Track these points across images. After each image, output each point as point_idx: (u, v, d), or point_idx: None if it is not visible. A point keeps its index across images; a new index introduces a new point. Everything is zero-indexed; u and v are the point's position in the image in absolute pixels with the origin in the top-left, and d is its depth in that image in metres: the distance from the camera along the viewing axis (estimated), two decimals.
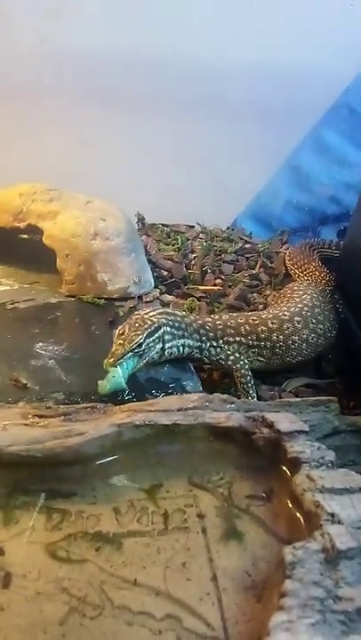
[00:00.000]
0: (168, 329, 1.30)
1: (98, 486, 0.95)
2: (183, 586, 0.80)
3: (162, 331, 1.29)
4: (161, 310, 1.36)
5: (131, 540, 0.86)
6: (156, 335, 1.27)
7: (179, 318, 1.35)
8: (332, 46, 2.20)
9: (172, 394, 1.24)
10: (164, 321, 1.30)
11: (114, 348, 1.22)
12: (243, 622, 0.75)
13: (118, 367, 1.19)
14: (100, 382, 1.19)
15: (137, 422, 0.97)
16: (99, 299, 1.59)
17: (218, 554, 0.85)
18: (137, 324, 1.27)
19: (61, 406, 1.09)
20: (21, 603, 0.77)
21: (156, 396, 1.24)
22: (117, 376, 1.18)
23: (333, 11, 2.20)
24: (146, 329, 1.26)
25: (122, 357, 1.20)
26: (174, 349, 1.33)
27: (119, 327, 1.29)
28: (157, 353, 1.29)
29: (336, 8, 2.20)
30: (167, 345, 1.30)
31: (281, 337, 1.43)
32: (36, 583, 0.80)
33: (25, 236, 1.81)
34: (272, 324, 1.43)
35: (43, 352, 1.37)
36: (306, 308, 1.51)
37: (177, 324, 1.33)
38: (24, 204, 1.67)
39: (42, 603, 0.77)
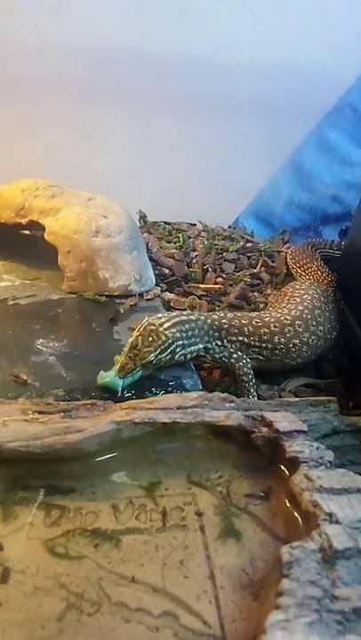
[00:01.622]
0: (180, 342, 1.30)
1: (97, 483, 0.95)
2: (181, 583, 0.80)
3: (174, 346, 1.28)
4: (176, 320, 1.32)
5: (129, 537, 0.87)
6: (169, 350, 1.27)
7: (193, 324, 1.34)
8: (336, 45, 2.20)
9: (172, 392, 1.25)
10: (178, 335, 1.30)
11: (124, 361, 1.22)
12: (239, 620, 0.75)
13: (117, 383, 1.20)
14: (102, 373, 1.21)
15: (136, 420, 0.98)
16: (100, 296, 1.59)
17: (216, 552, 0.85)
18: (150, 339, 1.25)
19: (61, 403, 1.10)
20: (20, 598, 0.77)
21: (156, 394, 1.24)
22: (118, 384, 1.20)
23: (338, 10, 2.20)
24: (159, 345, 1.25)
25: (130, 372, 1.21)
26: (182, 357, 1.33)
27: (132, 334, 1.27)
28: (164, 362, 1.29)
29: (341, 7, 2.20)
30: (177, 356, 1.30)
31: (283, 340, 1.43)
32: (35, 579, 0.80)
33: (27, 232, 1.82)
34: (274, 327, 1.44)
35: (43, 348, 1.37)
36: (306, 311, 1.51)
37: (190, 333, 1.32)
38: (26, 200, 1.67)
39: (40, 598, 0.77)
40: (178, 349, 1.30)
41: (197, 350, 1.36)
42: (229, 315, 1.46)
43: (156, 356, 1.24)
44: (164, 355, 1.26)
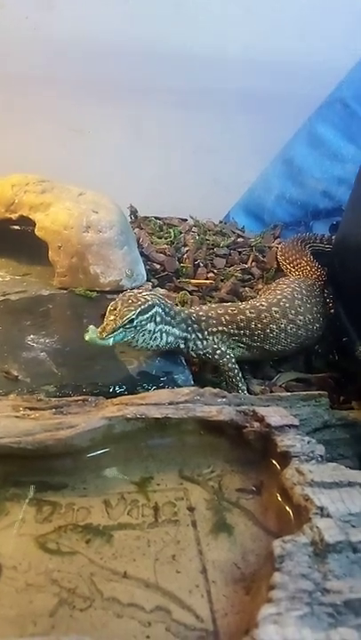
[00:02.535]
0: (160, 310, 1.29)
1: (88, 479, 0.95)
2: (173, 578, 0.80)
3: (155, 310, 1.27)
4: (153, 291, 1.34)
5: (121, 533, 0.87)
6: (149, 314, 1.26)
7: (169, 304, 1.35)
8: (328, 40, 2.20)
9: (164, 387, 1.24)
10: (158, 301, 1.29)
11: (105, 323, 1.21)
12: (231, 614, 0.75)
13: (108, 341, 1.18)
14: (91, 327, 1.18)
15: (128, 415, 0.98)
16: (91, 291, 1.59)
17: (208, 546, 0.85)
18: (130, 301, 1.25)
19: (52, 399, 1.09)
20: (11, 594, 0.77)
21: (148, 390, 1.24)
22: (100, 343, 1.17)
23: (330, 4, 2.20)
24: (139, 305, 1.24)
25: (113, 332, 1.18)
26: (158, 334, 1.30)
27: (111, 303, 1.27)
28: (145, 335, 1.27)
29: (333, 2, 2.20)
30: (157, 327, 1.29)
31: (259, 325, 1.44)
32: (26, 575, 0.80)
33: (17, 228, 1.80)
34: (250, 313, 1.45)
35: (34, 344, 1.36)
36: (285, 300, 1.52)
37: (167, 309, 1.32)
38: (16, 195, 1.66)
39: (32, 594, 0.77)
40: (158, 318, 1.28)
41: (175, 337, 1.35)
42: (205, 307, 1.47)
43: (137, 315, 1.22)
44: (144, 317, 1.24)
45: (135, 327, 1.23)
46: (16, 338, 1.38)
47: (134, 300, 1.25)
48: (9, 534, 0.86)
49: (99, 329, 1.19)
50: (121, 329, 1.20)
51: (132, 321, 1.21)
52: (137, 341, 1.27)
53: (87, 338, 1.17)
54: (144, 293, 1.30)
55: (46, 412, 1.01)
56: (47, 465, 0.94)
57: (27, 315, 1.47)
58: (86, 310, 1.52)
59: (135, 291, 1.33)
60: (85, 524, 0.88)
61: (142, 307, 1.24)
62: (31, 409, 1.03)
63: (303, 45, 2.21)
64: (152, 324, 1.27)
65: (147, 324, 1.26)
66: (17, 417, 0.99)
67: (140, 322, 1.24)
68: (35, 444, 0.92)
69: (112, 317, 1.21)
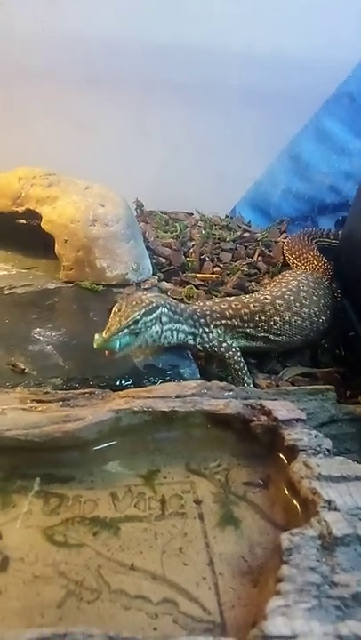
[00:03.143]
0: (165, 310, 1.29)
1: (95, 471, 0.95)
2: (180, 570, 0.80)
3: (160, 311, 1.27)
4: (158, 294, 1.36)
5: (128, 525, 0.87)
6: (154, 315, 1.26)
7: (174, 302, 1.35)
8: (335, 34, 2.18)
9: (170, 381, 1.25)
10: (162, 302, 1.30)
11: (109, 324, 1.20)
12: (239, 607, 0.75)
13: (113, 343, 1.17)
14: (95, 335, 1.17)
15: (135, 408, 0.98)
16: (97, 285, 1.59)
17: (214, 539, 0.85)
18: (135, 302, 1.25)
19: (59, 392, 1.10)
20: (19, 586, 0.77)
21: (154, 383, 1.24)
22: (105, 346, 1.16)
23: None
24: (144, 307, 1.24)
25: (117, 333, 1.17)
26: (168, 333, 1.31)
27: (116, 305, 1.26)
28: (153, 336, 1.27)
29: None
30: (165, 327, 1.29)
31: (263, 317, 1.44)
32: (34, 567, 0.80)
33: (23, 221, 1.80)
34: (254, 306, 1.45)
35: (40, 337, 1.36)
36: (289, 292, 1.52)
37: (173, 308, 1.33)
38: (23, 189, 1.66)
39: (39, 586, 0.77)
40: (164, 319, 1.28)
41: (185, 333, 1.35)
42: (208, 302, 1.46)
43: (142, 316, 1.22)
44: (149, 318, 1.24)
45: (140, 328, 1.22)
46: (22, 331, 1.38)
47: (139, 302, 1.25)
48: (16, 526, 0.86)
49: (104, 330, 1.18)
50: (126, 330, 1.19)
51: (136, 322, 1.21)
52: (147, 343, 1.27)
53: (95, 345, 1.16)
54: (148, 295, 1.31)
55: (53, 405, 1.01)
56: (54, 457, 0.94)
57: (33, 308, 1.47)
58: (92, 304, 1.52)
59: (140, 293, 1.33)
60: (93, 516, 0.88)
61: (147, 308, 1.24)
62: (38, 401, 1.03)
63: (309, 40, 2.19)
64: (158, 325, 1.27)
65: (152, 325, 1.25)
66: (24, 409, 0.99)
67: (145, 323, 1.23)
68: (42, 437, 0.92)
69: (117, 318, 1.21)
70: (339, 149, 2.42)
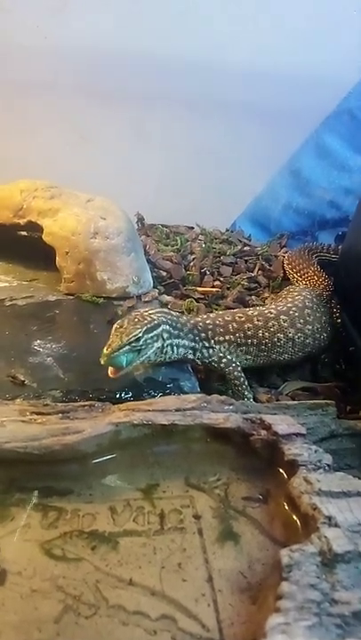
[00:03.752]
0: (167, 327, 1.30)
1: (94, 485, 0.94)
2: (179, 586, 0.79)
3: (161, 329, 1.28)
4: (159, 309, 1.36)
5: (127, 540, 0.86)
6: (155, 332, 1.26)
7: (175, 318, 1.35)
8: (335, 51, 2.21)
9: (170, 394, 1.24)
10: (164, 319, 1.30)
11: (111, 340, 1.20)
12: (238, 624, 0.75)
13: (117, 359, 1.18)
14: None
15: (135, 421, 0.97)
16: (97, 297, 1.59)
17: (214, 555, 0.84)
18: (136, 320, 1.26)
19: (59, 404, 1.09)
20: (16, 600, 0.77)
21: (154, 396, 1.23)
22: (110, 363, 1.18)
23: (337, 16, 2.21)
24: (145, 324, 1.24)
25: (118, 349, 1.18)
26: (169, 349, 1.31)
27: (118, 322, 1.27)
28: (155, 352, 1.28)
29: (340, 13, 2.21)
30: (166, 343, 1.29)
31: (267, 334, 1.44)
32: (32, 581, 0.79)
33: (24, 233, 1.81)
34: (258, 320, 1.44)
35: (41, 349, 1.36)
36: (294, 308, 1.52)
37: (174, 324, 1.33)
38: (24, 201, 1.67)
39: (37, 600, 0.77)
40: (165, 335, 1.28)
41: (185, 348, 1.35)
42: (212, 315, 1.46)
43: (144, 333, 1.22)
44: (150, 335, 1.24)
45: (142, 346, 1.23)
46: (23, 343, 1.38)
47: (141, 319, 1.26)
48: (14, 540, 0.85)
49: (105, 347, 1.19)
50: (127, 347, 1.20)
51: (138, 339, 1.22)
52: (149, 359, 1.28)
53: (102, 362, 1.17)
54: (151, 312, 1.31)
55: (53, 417, 1.01)
56: (53, 470, 0.94)
57: (33, 320, 1.47)
58: (93, 316, 1.52)
59: (142, 310, 1.33)
60: (91, 530, 0.87)
61: (148, 325, 1.25)
62: (38, 414, 1.03)
63: (310, 56, 2.21)
64: (160, 341, 1.28)
65: (153, 342, 1.26)
66: (23, 422, 0.99)
67: (146, 340, 1.24)
68: (41, 449, 0.91)
69: (118, 335, 1.21)
70: (339, 165, 2.43)
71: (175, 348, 1.33)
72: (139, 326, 1.23)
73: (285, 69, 2.20)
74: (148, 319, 1.27)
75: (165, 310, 1.37)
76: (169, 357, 1.33)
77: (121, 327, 1.24)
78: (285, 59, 2.21)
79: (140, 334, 1.22)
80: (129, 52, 2.17)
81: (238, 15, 2.20)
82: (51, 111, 2.26)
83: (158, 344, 1.27)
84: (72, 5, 2.10)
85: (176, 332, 1.33)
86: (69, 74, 2.21)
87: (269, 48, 2.21)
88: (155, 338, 1.26)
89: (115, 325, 1.26)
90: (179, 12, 2.18)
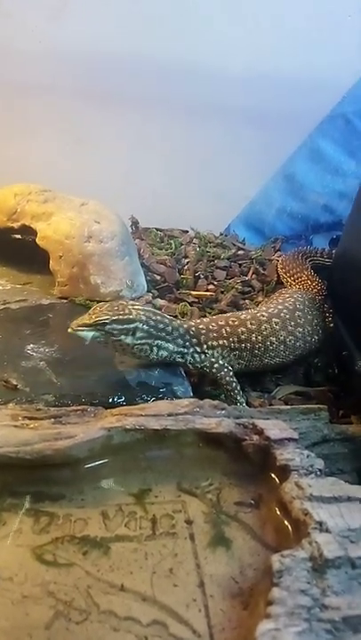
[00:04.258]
0: (144, 327, 1.28)
1: (86, 490, 0.94)
2: (170, 592, 0.79)
3: (135, 325, 1.27)
4: (148, 308, 1.35)
5: (118, 545, 0.86)
6: (127, 326, 1.26)
7: (166, 320, 1.34)
8: (329, 56, 2.22)
9: (163, 398, 1.24)
10: (144, 318, 1.29)
11: (84, 316, 1.24)
12: (229, 629, 0.75)
13: (82, 334, 1.22)
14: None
15: (127, 426, 0.97)
16: (91, 301, 1.59)
17: (205, 560, 0.84)
18: (115, 307, 1.27)
19: (51, 408, 1.09)
20: (7, 606, 0.76)
21: (147, 401, 1.23)
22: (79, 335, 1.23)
23: (331, 21, 2.22)
24: (118, 314, 1.25)
25: (83, 327, 1.22)
26: (146, 347, 1.30)
27: (102, 302, 1.30)
28: (123, 346, 1.28)
29: (334, 18, 2.22)
30: (138, 341, 1.28)
31: (259, 338, 1.44)
32: (23, 586, 0.79)
33: (18, 237, 1.81)
34: (251, 324, 1.45)
35: (34, 353, 1.36)
36: (285, 311, 1.52)
37: (159, 326, 1.31)
38: (18, 205, 1.67)
39: (28, 606, 0.77)
40: (139, 334, 1.28)
41: (167, 350, 1.34)
42: (205, 319, 1.46)
43: (112, 321, 1.23)
44: (120, 327, 1.25)
45: (107, 332, 1.24)
46: (16, 347, 1.38)
47: (118, 308, 1.27)
48: (5, 545, 0.85)
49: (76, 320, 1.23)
50: (93, 327, 1.22)
51: (103, 324, 1.23)
52: (116, 350, 1.30)
53: (69, 330, 1.23)
54: (136, 307, 1.31)
55: (45, 422, 1.01)
56: (45, 475, 0.94)
57: (27, 324, 1.47)
58: None
59: (131, 301, 1.34)
60: (83, 535, 0.87)
61: (120, 317, 1.25)
62: (30, 418, 1.03)
63: (305, 61, 2.22)
64: (129, 337, 1.27)
65: (121, 335, 1.26)
66: (15, 426, 0.99)
67: (113, 330, 1.24)
68: (33, 454, 0.91)
69: (91, 313, 1.25)
70: (333, 170, 2.44)
71: (155, 349, 1.32)
72: (111, 313, 1.24)
73: (280, 74, 2.21)
74: (125, 312, 1.27)
75: (153, 311, 1.35)
76: (147, 356, 1.32)
77: (98, 308, 1.26)
78: (280, 64, 2.22)
79: (107, 321, 1.23)
80: (126, 55, 2.17)
81: (234, 22, 2.20)
82: (48, 114, 2.27)
83: (128, 340, 1.27)
84: (71, 9, 2.11)
85: (160, 333, 1.32)
86: (67, 77, 2.21)
87: (264, 53, 2.22)
88: (124, 331, 1.26)
89: (98, 303, 1.29)
90: (176, 17, 2.19)
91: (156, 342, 1.31)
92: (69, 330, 1.22)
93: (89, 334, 1.22)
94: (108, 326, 1.23)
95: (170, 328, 1.34)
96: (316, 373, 1.59)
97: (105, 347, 1.29)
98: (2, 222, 1.69)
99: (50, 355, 1.36)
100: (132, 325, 1.27)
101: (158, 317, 1.33)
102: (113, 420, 0.99)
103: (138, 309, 1.30)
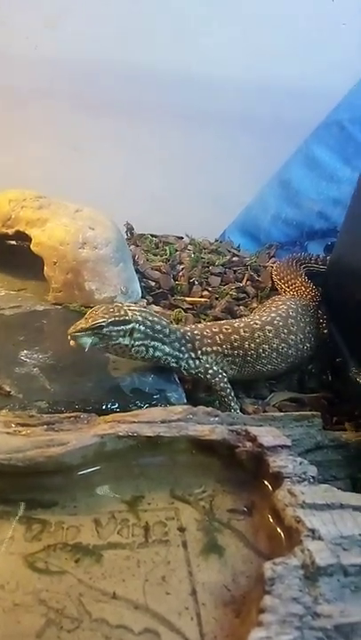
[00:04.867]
0: (141, 327, 1.28)
1: (79, 497, 0.94)
2: (162, 600, 0.79)
3: (131, 326, 1.27)
4: (144, 309, 1.34)
5: (111, 553, 0.86)
6: (124, 327, 1.25)
7: (163, 322, 1.34)
8: (324, 64, 2.23)
9: (157, 405, 1.24)
10: (140, 319, 1.29)
11: (80, 321, 1.24)
12: (221, 637, 0.75)
13: (80, 340, 1.21)
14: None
15: (120, 433, 0.97)
16: (86, 307, 1.58)
17: (198, 568, 0.84)
18: (111, 309, 1.27)
19: (44, 415, 1.09)
20: None
21: (141, 407, 1.23)
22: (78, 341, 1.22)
23: (326, 29, 2.24)
24: (115, 316, 1.25)
25: (80, 332, 1.21)
26: (143, 349, 1.30)
27: (97, 305, 1.29)
28: (122, 347, 1.27)
29: (329, 26, 2.23)
30: (135, 342, 1.28)
31: (252, 345, 1.44)
32: (14, 594, 0.79)
33: (13, 243, 1.80)
34: (244, 332, 1.45)
35: (27, 360, 1.36)
36: (279, 318, 1.52)
37: (156, 327, 1.31)
38: (13, 211, 1.67)
39: (19, 614, 0.76)
40: (136, 335, 1.27)
41: (163, 352, 1.33)
42: (200, 325, 1.46)
43: (108, 324, 1.23)
44: (117, 328, 1.24)
45: (105, 335, 1.23)
46: (9, 353, 1.37)
47: (115, 310, 1.27)
48: None
49: (73, 325, 1.23)
50: (90, 332, 1.22)
51: (100, 327, 1.22)
52: (116, 352, 1.29)
53: (69, 337, 1.22)
54: (132, 307, 1.31)
55: (38, 429, 1.01)
56: (37, 482, 0.93)
57: (21, 330, 1.47)
58: None
59: (127, 302, 1.34)
60: (75, 542, 0.87)
61: (117, 318, 1.25)
62: (23, 425, 1.02)
63: (300, 69, 2.23)
64: (127, 338, 1.27)
65: (119, 336, 1.25)
66: (8, 433, 0.98)
67: (110, 332, 1.24)
68: (25, 461, 0.91)
69: (87, 317, 1.24)
70: (328, 176, 2.45)
71: (151, 349, 1.31)
72: (107, 316, 1.24)
73: (275, 81, 2.22)
74: (122, 312, 1.27)
75: (150, 312, 1.35)
76: (143, 357, 1.32)
77: (95, 311, 1.25)
78: (276, 71, 2.23)
79: (104, 324, 1.22)
80: (122, 61, 2.18)
81: (230, 30, 2.22)
82: (44, 121, 2.27)
83: (126, 341, 1.27)
84: (67, 17, 2.12)
85: (157, 335, 1.31)
86: (63, 83, 2.22)
87: (260, 60, 2.23)
88: (122, 332, 1.25)
89: (94, 307, 1.28)
90: (172, 24, 2.20)
91: (152, 343, 1.31)
92: (69, 336, 1.22)
93: (88, 341, 1.22)
94: (105, 329, 1.23)
95: (167, 330, 1.34)
96: (310, 380, 1.59)
97: (105, 351, 1.29)
98: None
99: (44, 361, 1.36)
100: (128, 326, 1.26)
101: (155, 319, 1.33)
102: (106, 427, 0.99)
103: (134, 310, 1.30)
